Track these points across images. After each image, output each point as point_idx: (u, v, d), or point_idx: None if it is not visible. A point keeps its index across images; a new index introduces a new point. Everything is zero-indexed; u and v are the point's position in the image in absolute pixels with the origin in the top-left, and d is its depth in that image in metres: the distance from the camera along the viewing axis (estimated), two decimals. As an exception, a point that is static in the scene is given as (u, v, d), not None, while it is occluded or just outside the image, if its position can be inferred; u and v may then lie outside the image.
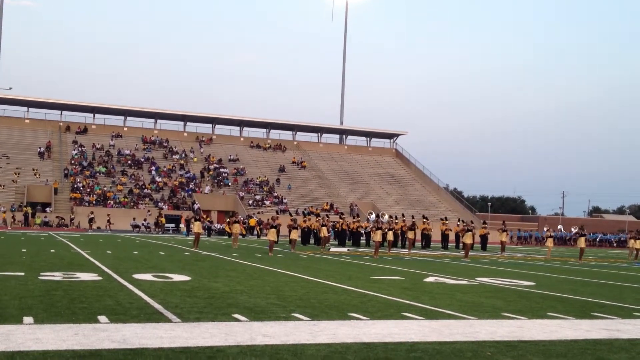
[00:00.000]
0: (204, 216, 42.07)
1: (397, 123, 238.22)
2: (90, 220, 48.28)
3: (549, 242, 31.98)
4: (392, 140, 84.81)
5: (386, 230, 28.82)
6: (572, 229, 38.33)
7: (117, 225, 52.18)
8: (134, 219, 51.80)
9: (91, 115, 72.71)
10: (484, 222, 40.76)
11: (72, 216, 52.05)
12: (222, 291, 11.46)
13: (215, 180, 65.65)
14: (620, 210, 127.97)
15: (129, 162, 65.76)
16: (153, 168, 65.33)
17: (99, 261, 17.62)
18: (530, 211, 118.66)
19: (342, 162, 77.43)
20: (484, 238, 37.53)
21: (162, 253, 22.96)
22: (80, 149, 65.95)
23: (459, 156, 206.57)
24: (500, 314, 9.84)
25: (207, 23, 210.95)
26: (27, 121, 69.88)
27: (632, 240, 34.92)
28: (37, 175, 59.20)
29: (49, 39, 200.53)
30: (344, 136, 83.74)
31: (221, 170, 67.74)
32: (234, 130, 78.46)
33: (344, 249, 30.67)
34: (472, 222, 33.70)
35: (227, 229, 45.91)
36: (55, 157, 64.34)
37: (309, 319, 8.66)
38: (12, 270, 13.95)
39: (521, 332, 8.26)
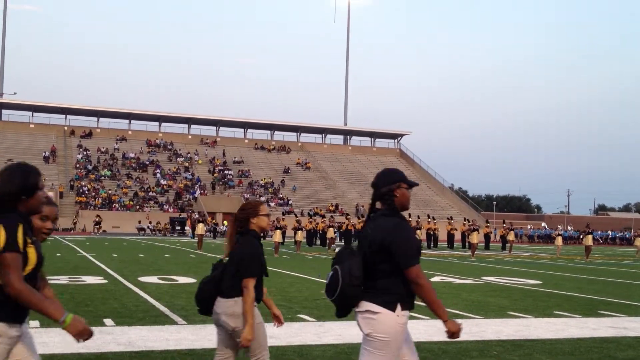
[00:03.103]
0: (209, 218, 42.09)
1: (401, 123, 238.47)
2: (96, 224, 48.29)
3: (559, 241, 31.91)
4: (396, 140, 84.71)
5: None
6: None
7: (123, 228, 52.25)
8: (139, 222, 51.89)
9: (95, 119, 72.88)
10: (487, 221, 40.79)
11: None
12: (228, 293, 11.45)
13: (220, 183, 65.71)
14: (626, 208, 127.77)
15: (134, 165, 65.88)
16: (158, 171, 65.45)
17: (105, 264, 17.65)
18: (535, 210, 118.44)
19: (346, 163, 77.37)
20: (487, 237, 37.53)
21: (167, 255, 22.99)
22: (85, 153, 66.10)
23: (463, 155, 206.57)
24: (506, 313, 9.82)
25: (211, 25, 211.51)
26: (31, 126, 70.07)
27: (639, 239, 35.10)
28: (43, 180, 59.28)
29: (53, 43, 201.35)
30: (348, 137, 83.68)
31: (226, 172, 67.81)
32: (238, 132, 78.55)
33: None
34: (476, 221, 33.68)
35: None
36: (60, 161, 64.48)
37: (314, 319, 8.66)
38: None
39: (527, 331, 8.24)
